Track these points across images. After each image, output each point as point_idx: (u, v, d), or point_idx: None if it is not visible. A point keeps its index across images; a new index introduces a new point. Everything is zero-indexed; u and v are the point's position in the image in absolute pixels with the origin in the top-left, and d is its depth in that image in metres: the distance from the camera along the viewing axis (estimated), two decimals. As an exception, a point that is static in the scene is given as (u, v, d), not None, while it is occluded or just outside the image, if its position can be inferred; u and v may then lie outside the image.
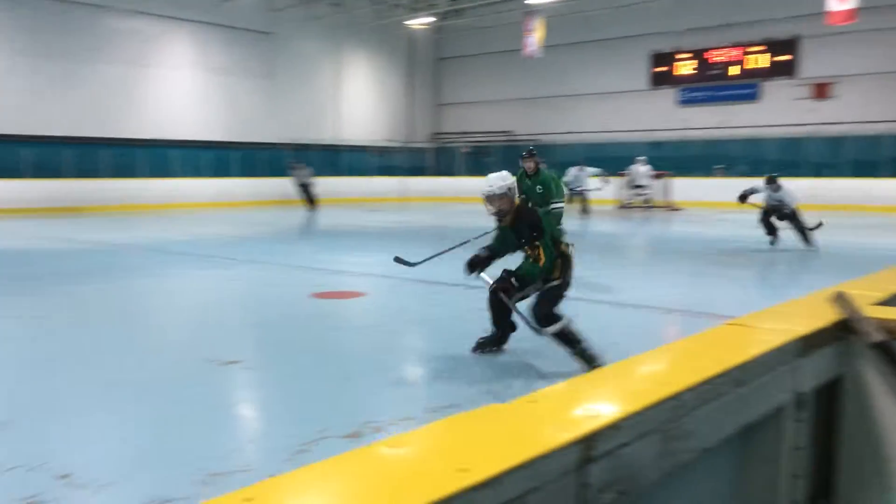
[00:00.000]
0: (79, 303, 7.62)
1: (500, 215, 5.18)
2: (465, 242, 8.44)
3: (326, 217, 20.05)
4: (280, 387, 4.66)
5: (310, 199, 21.98)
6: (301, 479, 0.77)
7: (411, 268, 7.65)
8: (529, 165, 8.47)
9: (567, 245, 5.21)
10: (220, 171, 24.53)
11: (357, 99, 29.56)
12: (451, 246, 8.08)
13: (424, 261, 7.66)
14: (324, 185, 23.07)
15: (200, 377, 4.93)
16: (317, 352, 5.62)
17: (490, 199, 5.10)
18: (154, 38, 23.30)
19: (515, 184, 5.15)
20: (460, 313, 7.33)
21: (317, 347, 5.77)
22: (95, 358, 5.38)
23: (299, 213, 20.80)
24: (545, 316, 4.98)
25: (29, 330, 6.39)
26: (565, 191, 16.86)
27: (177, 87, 23.96)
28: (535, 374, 4.96)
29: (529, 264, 5.05)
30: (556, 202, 8.24)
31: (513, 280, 5.07)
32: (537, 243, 4.98)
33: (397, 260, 7.63)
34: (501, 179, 5.09)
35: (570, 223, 16.94)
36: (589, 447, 0.95)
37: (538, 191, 8.43)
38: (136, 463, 3.39)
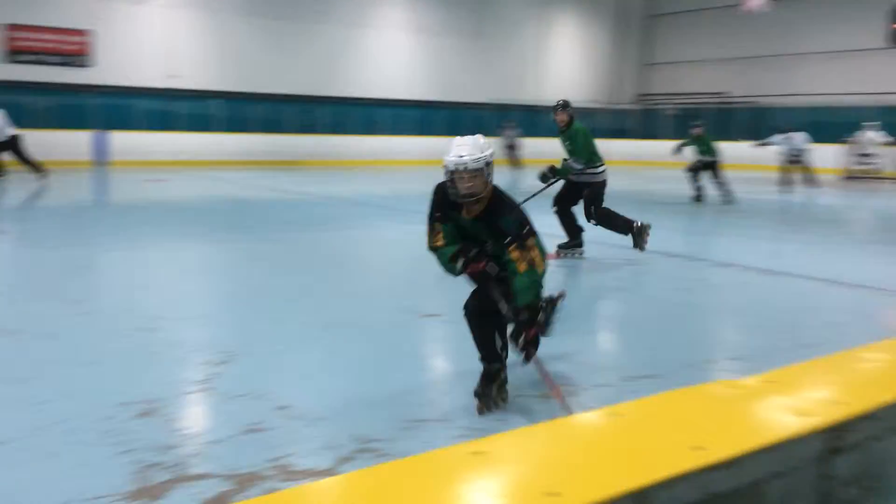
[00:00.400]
0: (297, 249, 8.23)
1: (469, 201, 3.41)
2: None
3: (527, 177, 20.08)
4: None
5: (514, 160, 22.27)
6: (528, 437, 0.76)
7: None
8: (561, 118, 7.86)
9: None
10: (425, 129, 25.29)
11: (561, 58, 29.12)
12: None
13: None
14: (524, 145, 23.14)
15: (404, 327, 5.16)
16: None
17: (459, 175, 3.36)
18: (370, 0, 24.32)
19: (493, 156, 3.48)
20: (667, 282, 7.09)
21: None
22: (311, 300, 5.78)
23: (501, 173, 21.01)
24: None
25: (256, 272, 6.99)
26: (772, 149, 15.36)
27: (388, 47, 24.88)
28: (740, 350, 4.68)
29: (526, 276, 3.31)
30: (577, 160, 7.60)
31: (541, 319, 3.39)
32: (530, 241, 3.36)
33: None
34: (479, 149, 3.40)
35: (791, 195, 15.76)
36: (835, 437, 0.86)
37: (567, 146, 7.84)
38: (345, 401, 3.61)
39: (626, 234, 7.50)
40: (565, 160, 7.62)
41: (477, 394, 3.51)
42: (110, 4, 20.22)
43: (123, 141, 19.94)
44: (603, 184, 7.66)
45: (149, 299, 5.78)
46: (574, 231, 7.72)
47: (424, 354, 4.70)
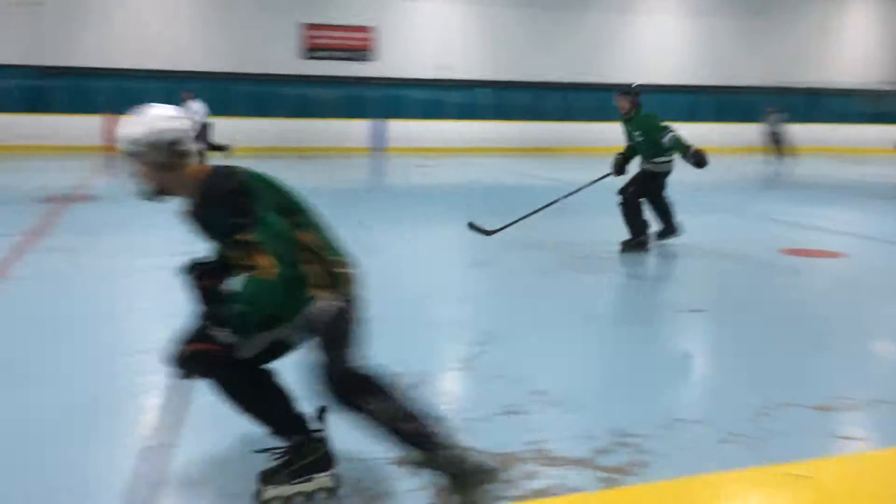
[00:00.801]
0: (560, 240, 8.28)
1: (157, 197, 2.50)
2: (552, 203, 7.39)
3: (800, 167, 18.47)
4: (743, 342, 4.48)
5: (779, 148, 20.54)
6: (860, 465, 0.71)
7: (488, 236, 7.07)
8: (623, 105, 6.90)
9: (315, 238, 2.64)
10: (692, 115, 24.20)
11: (852, 36, 26.19)
12: (534, 210, 7.31)
13: (504, 227, 7.04)
14: (802, 132, 21.26)
15: (666, 321, 5.04)
16: (785, 311, 5.27)
17: (129, 161, 2.44)
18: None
19: (184, 132, 2.42)
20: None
21: (785, 306, 5.41)
22: (571, 289, 5.83)
23: (771, 162, 19.55)
24: (346, 376, 2.46)
25: (514, 258, 7.19)
26: None
27: (655, 31, 24.12)
28: None
29: (247, 283, 2.32)
30: (669, 132, 6.71)
31: (217, 332, 2.31)
32: (250, 236, 2.31)
33: (472, 227, 7.13)
34: (142, 125, 2.40)
35: None
36: None
37: (638, 138, 6.94)
38: (602, 393, 3.62)
39: (634, 236, 7.08)
40: (667, 134, 6.87)
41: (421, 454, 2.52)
42: (392, 2, 21.82)
43: (398, 129, 21.43)
44: (666, 174, 7.13)
45: (416, 278, 6.18)
46: (666, 218, 7.25)
47: (688, 351, 4.54)
